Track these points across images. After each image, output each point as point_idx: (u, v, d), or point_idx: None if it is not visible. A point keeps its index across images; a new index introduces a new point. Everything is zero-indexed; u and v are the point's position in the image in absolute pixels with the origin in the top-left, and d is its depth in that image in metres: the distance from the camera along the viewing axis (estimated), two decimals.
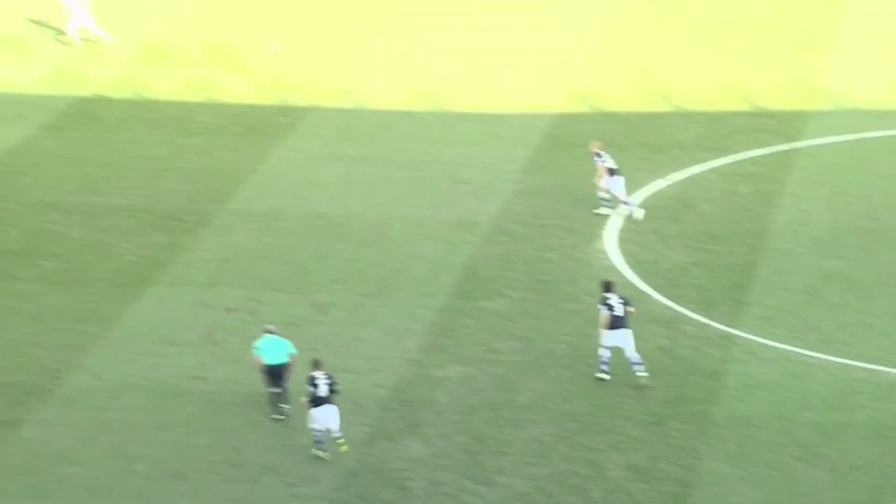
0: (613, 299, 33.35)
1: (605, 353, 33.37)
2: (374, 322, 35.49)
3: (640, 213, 39.85)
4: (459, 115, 45.71)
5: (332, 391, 30.85)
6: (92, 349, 34.58)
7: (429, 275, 37.52)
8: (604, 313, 33.24)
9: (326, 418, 30.83)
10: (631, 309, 33.39)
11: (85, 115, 46.20)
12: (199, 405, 32.56)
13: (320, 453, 31.04)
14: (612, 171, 39.73)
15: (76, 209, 40.77)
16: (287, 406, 31.90)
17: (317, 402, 30.80)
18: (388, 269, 37.77)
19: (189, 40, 50.11)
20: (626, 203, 39.84)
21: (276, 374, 32.06)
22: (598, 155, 39.89)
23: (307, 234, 39.52)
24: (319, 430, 30.94)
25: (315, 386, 30.81)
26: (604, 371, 33.40)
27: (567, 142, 43.50)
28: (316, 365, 31.15)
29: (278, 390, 32.03)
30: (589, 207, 40.18)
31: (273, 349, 32.13)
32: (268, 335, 32.25)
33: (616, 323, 33.15)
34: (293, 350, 32.13)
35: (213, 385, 33.20)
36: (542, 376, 33.49)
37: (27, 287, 37.16)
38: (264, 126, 45.40)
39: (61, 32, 50.04)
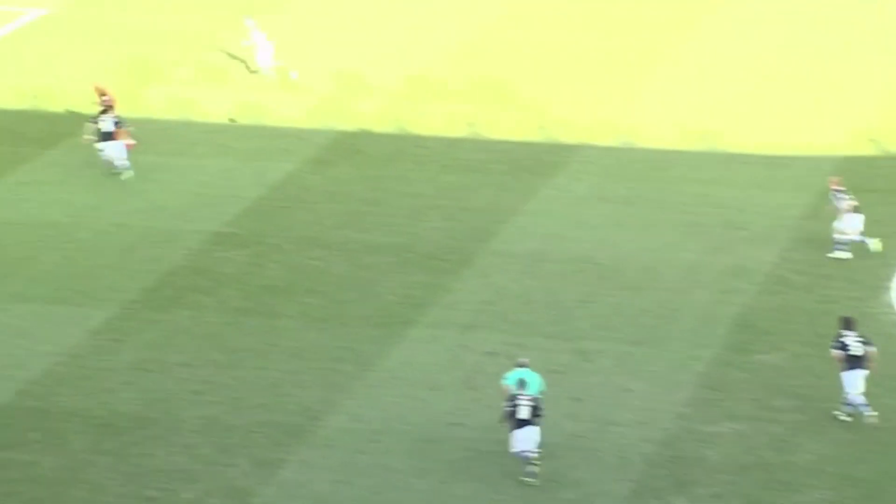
0: (850, 338, 31.80)
1: (856, 399, 31.76)
2: (641, 372, 34.42)
3: (878, 245, 38.29)
4: (737, 156, 44.52)
5: (535, 413, 30.63)
6: (351, 390, 34.08)
7: (700, 324, 36.28)
8: (836, 352, 31.73)
9: (524, 441, 30.62)
10: (871, 348, 31.70)
11: (349, 149, 46.12)
12: (457, 452, 31.84)
13: (530, 479, 30.77)
14: (851, 210, 38.35)
15: (338, 245, 40.45)
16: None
17: (518, 424, 30.66)
18: (658, 317, 36.60)
19: (454, 74, 49.95)
20: (861, 240, 38.28)
21: None
22: (837, 192, 38.35)
23: (573, 277, 38.56)
24: (519, 452, 30.77)
25: (515, 406, 30.68)
26: (869, 415, 31.78)
27: (854, 187, 41.27)
28: (521, 385, 30.96)
29: None
30: (874, 258, 38.43)
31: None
32: (519, 368, 31.99)
33: (853, 363, 31.67)
34: (543, 387, 31.59)
35: (471, 432, 32.45)
36: (822, 437, 31.91)
37: (288, 324, 36.84)
38: (531, 164, 44.76)
39: (324, 67, 50.23)
